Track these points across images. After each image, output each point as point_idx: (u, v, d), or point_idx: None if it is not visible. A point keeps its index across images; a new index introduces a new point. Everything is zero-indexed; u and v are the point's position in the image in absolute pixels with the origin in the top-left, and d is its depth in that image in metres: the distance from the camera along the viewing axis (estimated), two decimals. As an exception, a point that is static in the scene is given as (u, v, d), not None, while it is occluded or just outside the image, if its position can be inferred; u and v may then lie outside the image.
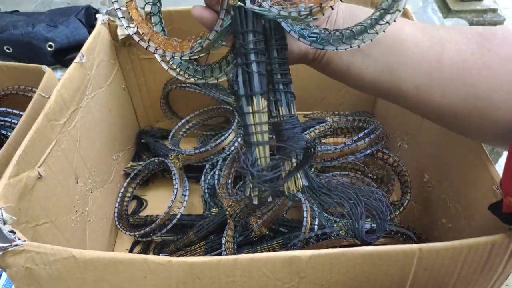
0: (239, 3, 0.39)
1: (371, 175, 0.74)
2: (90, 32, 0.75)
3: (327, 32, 0.41)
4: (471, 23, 1.43)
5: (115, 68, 0.81)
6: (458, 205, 0.59)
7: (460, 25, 1.35)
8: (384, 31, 0.39)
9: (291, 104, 0.42)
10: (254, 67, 0.40)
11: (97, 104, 0.72)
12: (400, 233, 0.59)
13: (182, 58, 0.44)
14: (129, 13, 0.45)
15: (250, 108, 0.41)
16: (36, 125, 0.54)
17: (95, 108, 0.71)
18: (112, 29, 0.79)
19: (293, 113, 0.42)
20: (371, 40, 0.39)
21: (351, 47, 0.40)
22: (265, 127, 0.41)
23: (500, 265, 0.45)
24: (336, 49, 0.40)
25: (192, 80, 0.47)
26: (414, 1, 1.43)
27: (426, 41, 0.41)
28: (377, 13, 0.39)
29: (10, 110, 0.75)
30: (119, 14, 0.45)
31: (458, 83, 0.40)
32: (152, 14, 0.47)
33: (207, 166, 0.81)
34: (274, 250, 0.62)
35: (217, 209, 0.75)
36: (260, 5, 0.39)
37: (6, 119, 0.74)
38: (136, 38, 0.44)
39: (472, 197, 0.56)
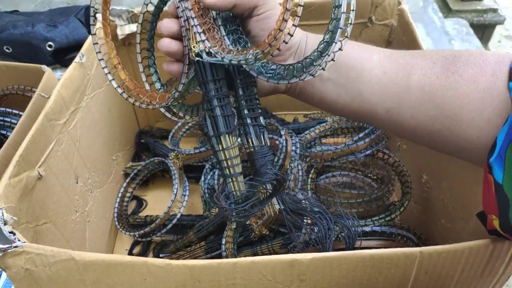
0: (197, 58, 0.43)
1: (371, 175, 0.74)
2: (89, 32, 0.74)
3: (282, 67, 0.43)
4: (471, 23, 1.43)
5: (115, 68, 0.81)
6: (456, 205, 0.59)
7: (459, 25, 1.35)
8: (333, 59, 0.41)
9: (261, 135, 0.45)
10: (217, 111, 0.45)
11: (97, 104, 0.72)
12: (401, 235, 0.59)
13: (162, 106, 0.49)
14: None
15: (220, 146, 0.45)
16: (36, 125, 0.54)
17: (95, 108, 0.71)
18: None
19: (263, 143, 0.45)
20: (316, 72, 0.42)
21: (299, 80, 0.42)
22: (236, 161, 0.46)
23: (501, 267, 0.45)
24: (289, 83, 0.43)
25: (180, 114, 0.52)
26: (414, 1, 1.42)
27: (393, 68, 0.44)
28: (321, 45, 0.42)
29: (10, 110, 0.75)
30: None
31: (426, 105, 0.42)
32: (149, 66, 0.52)
33: (207, 166, 0.81)
34: (274, 251, 0.62)
35: (217, 209, 0.75)
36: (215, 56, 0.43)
37: (6, 119, 0.74)
38: (124, 95, 0.51)
39: (470, 198, 0.56)
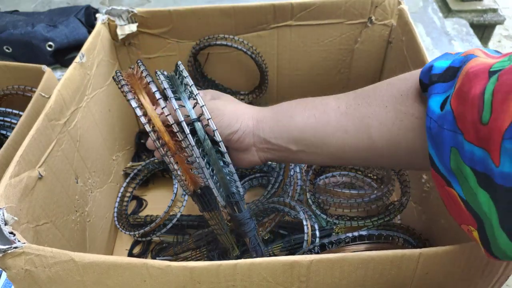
0: None
1: (371, 175, 0.74)
2: (89, 32, 0.75)
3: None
4: (471, 23, 1.43)
5: (115, 68, 0.81)
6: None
7: (459, 25, 1.35)
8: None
9: (237, 205, 0.51)
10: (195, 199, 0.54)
11: (97, 104, 0.72)
12: (399, 237, 0.59)
13: None
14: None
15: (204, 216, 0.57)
16: (37, 125, 0.53)
17: (95, 108, 0.71)
18: (112, 28, 0.79)
19: (240, 211, 0.51)
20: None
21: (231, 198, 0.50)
22: (218, 225, 0.57)
23: (501, 267, 0.45)
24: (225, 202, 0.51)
25: None
26: (414, 1, 1.42)
27: (352, 125, 0.46)
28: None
29: (10, 110, 0.75)
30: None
31: (392, 150, 0.45)
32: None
33: (207, 166, 0.81)
34: (274, 254, 0.62)
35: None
36: None
37: (6, 119, 0.74)
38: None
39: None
